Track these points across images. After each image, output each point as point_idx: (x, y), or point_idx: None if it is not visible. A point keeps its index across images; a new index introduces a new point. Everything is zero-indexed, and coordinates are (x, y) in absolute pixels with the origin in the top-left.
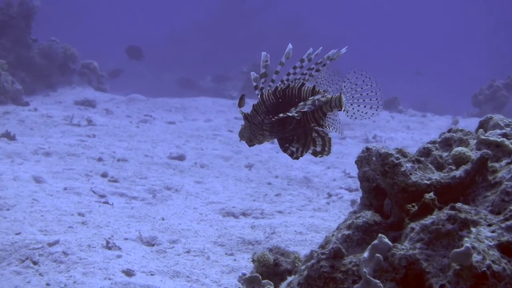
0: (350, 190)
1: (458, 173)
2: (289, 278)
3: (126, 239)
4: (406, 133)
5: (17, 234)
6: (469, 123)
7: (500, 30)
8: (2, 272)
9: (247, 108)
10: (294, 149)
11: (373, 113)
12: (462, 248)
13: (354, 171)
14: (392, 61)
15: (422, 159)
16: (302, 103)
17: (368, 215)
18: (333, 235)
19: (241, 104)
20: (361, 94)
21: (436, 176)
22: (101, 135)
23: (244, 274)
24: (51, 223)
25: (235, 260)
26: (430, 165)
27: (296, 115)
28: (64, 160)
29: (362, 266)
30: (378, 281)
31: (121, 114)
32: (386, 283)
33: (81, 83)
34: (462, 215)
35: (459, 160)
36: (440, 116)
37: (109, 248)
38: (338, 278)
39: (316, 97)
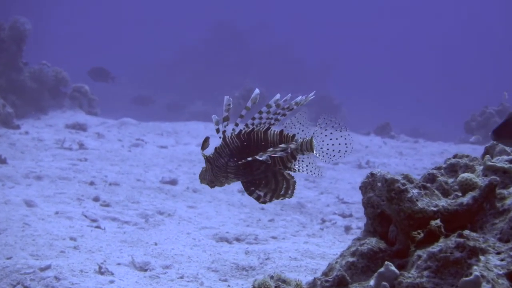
0: (343, 216)
1: (466, 199)
2: None
3: (118, 264)
4: (399, 159)
5: (8, 258)
6: (462, 150)
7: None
8: None
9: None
10: (261, 194)
11: (340, 156)
12: (471, 277)
13: (347, 196)
14: (384, 86)
15: (429, 185)
16: (272, 149)
17: (373, 242)
18: (336, 262)
19: (204, 146)
20: (330, 139)
21: (443, 202)
22: (93, 159)
23: None
24: (43, 247)
25: (229, 286)
26: (436, 192)
27: (267, 159)
28: (55, 184)
29: None
30: None
31: (113, 138)
32: None
33: (72, 107)
34: (471, 243)
35: (466, 187)
36: (432, 142)
37: (102, 273)
38: None
39: (290, 145)
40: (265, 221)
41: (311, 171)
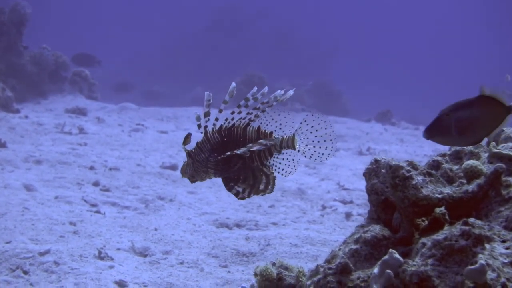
0: (344, 202)
1: (471, 187)
2: None
3: (118, 249)
4: (400, 146)
5: (7, 243)
6: None
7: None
8: None
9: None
10: (240, 189)
11: (329, 154)
12: (477, 265)
13: (348, 183)
14: (385, 73)
15: (433, 172)
16: (251, 144)
17: (376, 229)
18: (339, 249)
19: (186, 142)
20: (316, 136)
21: (448, 190)
22: (93, 144)
23: None
24: (42, 232)
25: (229, 272)
26: (441, 179)
27: (245, 152)
28: (55, 168)
29: (372, 283)
30: None
31: (113, 123)
32: None
33: (72, 91)
34: (476, 231)
35: (471, 174)
36: None
37: (101, 259)
38: None
39: (268, 141)
40: (266, 207)
41: (284, 168)
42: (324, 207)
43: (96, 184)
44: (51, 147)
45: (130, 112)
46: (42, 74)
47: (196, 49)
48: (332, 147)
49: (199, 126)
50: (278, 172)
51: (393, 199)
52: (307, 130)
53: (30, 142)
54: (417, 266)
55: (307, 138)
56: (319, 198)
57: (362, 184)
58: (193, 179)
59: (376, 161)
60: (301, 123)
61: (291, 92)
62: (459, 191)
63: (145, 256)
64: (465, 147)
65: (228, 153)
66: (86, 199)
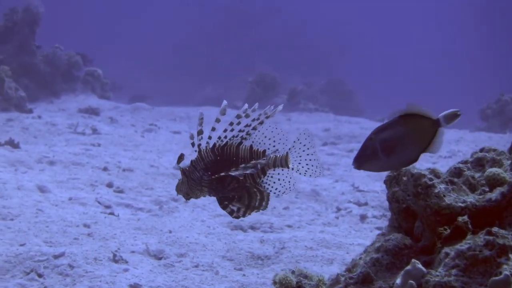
0: (359, 204)
1: (494, 195)
2: None
3: (133, 252)
4: None
5: (21, 245)
6: (477, 137)
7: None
8: (6, 284)
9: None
10: (234, 208)
11: (320, 172)
12: (501, 276)
13: (362, 184)
14: (397, 70)
15: (456, 180)
16: (243, 165)
17: (398, 238)
18: (360, 258)
19: (179, 161)
20: (307, 154)
21: (471, 198)
22: (106, 144)
23: None
24: (56, 234)
25: (244, 275)
26: (464, 187)
27: (240, 174)
28: (68, 169)
29: None
30: None
31: (126, 123)
32: None
33: (85, 91)
34: (500, 241)
35: (493, 182)
36: (447, 129)
37: (116, 261)
38: None
39: (260, 162)
40: (280, 209)
41: (278, 187)
42: (338, 209)
43: (109, 185)
44: (65, 147)
45: (143, 112)
46: (54, 74)
47: (207, 47)
48: (317, 165)
49: (192, 144)
50: (271, 192)
51: (414, 208)
52: (299, 148)
53: (43, 142)
54: (441, 276)
55: (300, 156)
56: (334, 200)
57: (376, 185)
58: (187, 197)
59: None
60: (294, 142)
61: (280, 108)
62: (482, 199)
63: (160, 259)
64: (486, 154)
65: (223, 174)
66: (100, 200)
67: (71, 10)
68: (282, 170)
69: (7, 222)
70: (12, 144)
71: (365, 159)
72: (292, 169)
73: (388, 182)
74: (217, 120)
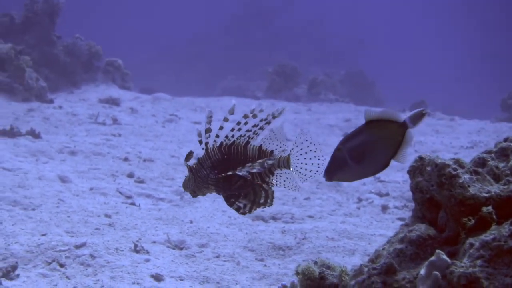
0: (380, 194)
1: None
2: None
3: (154, 242)
4: (435, 137)
5: (43, 235)
6: (499, 128)
7: None
8: (28, 274)
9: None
10: (241, 205)
11: (317, 171)
12: None
13: (383, 175)
14: (414, 63)
15: (480, 170)
16: (250, 164)
17: (422, 229)
18: (384, 249)
19: (187, 159)
20: (305, 158)
21: (495, 188)
22: (127, 134)
23: (284, 286)
24: (78, 224)
25: (265, 266)
26: (488, 177)
27: (246, 175)
28: (89, 160)
29: (419, 284)
30: None
31: (147, 113)
32: None
33: (105, 81)
34: None
35: None
36: (468, 120)
37: (137, 252)
38: None
39: (267, 160)
40: (301, 200)
41: (288, 185)
42: (360, 200)
43: (130, 175)
44: (85, 137)
45: (164, 103)
46: (75, 64)
47: (226, 39)
48: (318, 167)
49: (200, 142)
50: (283, 187)
51: (438, 198)
52: (297, 151)
53: (64, 132)
54: (465, 267)
55: (297, 159)
56: (355, 190)
57: (398, 176)
58: (194, 194)
59: (421, 158)
60: (294, 143)
61: (287, 109)
62: (506, 189)
63: (181, 249)
64: (510, 144)
65: (230, 173)
66: (121, 190)
67: (93, 1)
68: (283, 170)
69: (28, 212)
70: (33, 134)
71: (335, 170)
72: (294, 170)
73: (412, 172)
74: (225, 119)
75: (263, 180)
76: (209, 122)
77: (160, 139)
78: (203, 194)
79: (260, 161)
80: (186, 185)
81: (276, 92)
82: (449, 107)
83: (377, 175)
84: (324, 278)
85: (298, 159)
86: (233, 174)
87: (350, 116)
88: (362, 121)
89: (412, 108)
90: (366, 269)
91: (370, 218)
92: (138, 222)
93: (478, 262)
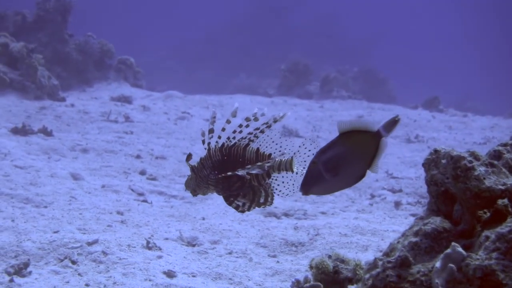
0: (393, 191)
1: None
2: (351, 287)
3: (166, 239)
4: (449, 133)
5: (55, 232)
6: (511, 124)
7: None
8: (40, 271)
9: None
10: (240, 203)
11: None
12: None
13: (396, 171)
14: (427, 60)
15: (496, 162)
16: (250, 166)
17: (437, 222)
18: (398, 242)
19: (188, 159)
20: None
21: (511, 181)
22: (139, 132)
23: (297, 280)
24: (90, 221)
25: (278, 262)
26: (504, 169)
27: (245, 175)
28: (101, 157)
29: (434, 277)
30: None
31: (159, 111)
32: None
33: (117, 79)
34: None
35: None
36: (481, 116)
37: (150, 248)
38: None
39: (266, 163)
40: (313, 196)
41: (282, 189)
42: (372, 196)
43: (142, 173)
44: (97, 135)
45: (176, 100)
46: (87, 62)
47: (239, 37)
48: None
49: (203, 142)
50: (275, 193)
51: (453, 191)
52: (304, 153)
53: (76, 130)
54: (481, 260)
55: (305, 161)
56: (368, 187)
57: (411, 172)
58: (194, 193)
59: (436, 151)
60: (299, 146)
61: (289, 114)
62: None
63: (194, 245)
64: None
65: (230, 173)
66: (133, 188)
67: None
68: (287, 173)
69: (40, 209)
70: (45, 132)
71: (311, 183)
72: (297, 173)
73: (427, 165)
74: (228, 122)
75: (259, 182)
76: (213, 123)
77: (172, 136)
78: (204, 194)
79: (260, 163)
80: (187, 184)
81: (288, 90)
82: (462, 103)
83: (390, 171)
84: (338, 272)
85: (305, 161)
86: (232, 174)
87: (363, 113)
88: (375, 118)
89: (425, 105)
90: (380, 262)
91: (383, 214)
92: (150, 219)
93: (494, 254)
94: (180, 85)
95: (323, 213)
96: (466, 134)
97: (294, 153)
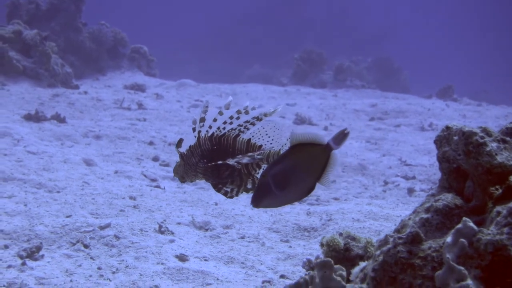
0: (406, 178)
1: None
2: (362, 264)
3: (179, 223)
4: (463, 122)
5: (67, 217)
6: None
7: None
8: (53, 255)
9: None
10: (228, 189)
11: None
12: None
13: (410, 159)
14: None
15: (508, 139)
16: (241, 156)
17: (448, 198)
18: (409, 219)
19: (179, 145)
20: None
21: None
22: (152, 119)
23: (308, 260)
24: (102, 206)
25: (290, 247)
26: None
27: (236, 165)
28: (114, 144)
29: (445, 252)
30: (462, 268)
31: (172, 99)
32: (471, 270)
33: (131, 68)
34: None
35: None
36: (495, 105)
37: (162, 233)
38: (416, 264)
39: (256, 154)
40: None
41: None
42: (386, 183)
43: (155, 159)
44: (110, 122)
45: (189, 89)
46: (100, 51)
47: (253, 28)
48: None
49: (193, 129)
50: None
51: (465, 167)
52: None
53: (89, 117)
54: (492, 235)
55: None
56: (381, 174)
57: (424, 159)
58: (183, 180)
59: (448, 128)
60: (287, 139)
61: (279, 108)
62: None
63: (206, 230)
64: None
65: (220, 162)
66: (146, 173)
67: None
68: None
69: (53, 194)
70: (59, 118)
71: (261, 196)
72: None
73: (438, 142)
74: (220, 113)
75: (249, 172)
76: (205, 112)
77: (185, 123)
78: (192, 181)
79: (250, 153)
80: (176, 170)
81: (302, 79)
82: (476, 93)
83: (403, 159)
84: (349, 249)
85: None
86: (222, 163)
87: (376, 102)
88: (388, 107)
89: (439, 94)
90: (391, 239)
91: (396, 200)
92: (163, 204)
93: (506, 229)
94: (194, 76)
95: (336, 199)
96: (480, 122)
97: (282, 146)
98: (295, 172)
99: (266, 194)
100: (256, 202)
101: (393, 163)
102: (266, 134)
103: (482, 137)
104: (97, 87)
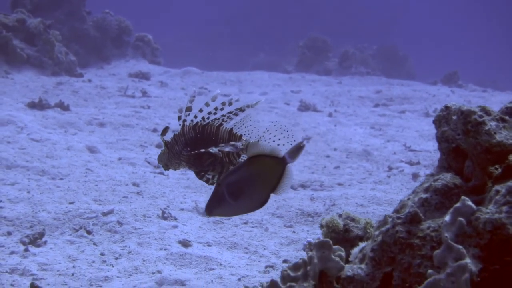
0: (411, 163)
1: None
2: (361, 244)
3: (182, 209)
4: None
5: (70, 203)
6: None
7: None
8: (56, 241)
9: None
10: (209, 176)
11: None
12: None
13: (414, 144)
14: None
15: (507, 118)
16: (223, 144)
17: (447, 178)
18: (408, 199)
19: (163, 133)
20: (278, 145)
21: None
22: (156, 107)
23: (309, 242)
24: (105, 192)
25: (294, 232)
26: None
27: (218, 153)
28: (118, 131)
29: (444, 231)
30: (460, 247)
31: (176, 87)
32: (469, 248)
33: (135, 56)
34: None
35: None
36: (500, 91)
37: (165, 219)
38: (415, 244)
39: (238, 144)
40: (331, 168)
41: None
42: (390, 168)
43: (159, 146)
44: (114, 110)
45: (194, 76)
46: (105, 39)
47: (259, 16)
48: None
49: (179, 118)
50: None
51: (464, 147)
52: (269, 138)
53: (93, 105)
54: (491, 213)
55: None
56: (385, 160)
57: (429, 145)
58: (166, 167)
59: (447, 107)
60: (264, 131)
61: (263, 100)
62: None
63: None
64: None
65: (203, 150)
66: (150, 160)
67: None
68: None
69: (56, 181)
70: (62, 106)
71: (214, 205)
72: None
73: (438, 121)
74: (207, 104)
75: (230, 161)
76: (191, 102)
77: None
78: (175, 169)
79: (232, 143)
80: (160, 158)
81: (307, 66)
82: (482, 79)
83: (408, 145)
84: (348, 230)
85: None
86: (205, 151)
87: (381, 88)
88: (393, 93)
89: (444, 80)
90: (390, 219)
91: (400, 185)
92: (166, 191)
93: (504, 208)
94: (199, 65)
95: (339, 184)
96: None
97: (260, 137)
98: (249, 183)
99: (219, 202)
100: (209, 210)
101: (398, 148)
102: (247, 124)
103: (481, 116)
104: (102, 76)
